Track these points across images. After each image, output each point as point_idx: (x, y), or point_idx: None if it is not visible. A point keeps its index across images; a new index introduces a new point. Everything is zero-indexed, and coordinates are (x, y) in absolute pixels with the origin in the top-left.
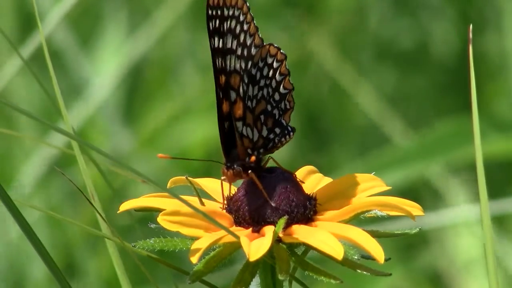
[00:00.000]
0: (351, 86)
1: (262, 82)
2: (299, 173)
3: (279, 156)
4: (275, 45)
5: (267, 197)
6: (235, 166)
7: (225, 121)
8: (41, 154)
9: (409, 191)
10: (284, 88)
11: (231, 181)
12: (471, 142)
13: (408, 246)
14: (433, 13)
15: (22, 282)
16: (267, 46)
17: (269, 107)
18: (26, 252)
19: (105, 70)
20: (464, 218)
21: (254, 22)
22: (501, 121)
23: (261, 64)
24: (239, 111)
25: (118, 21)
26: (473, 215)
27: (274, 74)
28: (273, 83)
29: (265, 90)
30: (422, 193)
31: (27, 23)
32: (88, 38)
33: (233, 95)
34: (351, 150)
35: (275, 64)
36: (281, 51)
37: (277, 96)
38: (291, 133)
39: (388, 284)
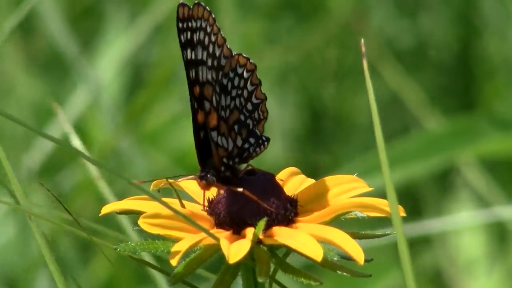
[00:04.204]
0: (353, 86)
1: (233, 92)
2: (282, 175)
3: (281, 155)
4: (244, 55)
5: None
6: (208, 176)
7: (200, 131)
8: (37, 148)
9: (409, 190)
10: (256, 98)
11: (205, 189)
12: (471, 142)
13: (409, 246)
14: (432, 14)
15: (22, 283)
16: (236, 56)
17: (242, 117)
18: (25, 252)
19: (106, 69)
20: (465, 219)
21: (221, 33)
22: (501, 121)
23: (231, 75)
24: (213, 121)
25: (119, 21)
26: (475, 217)
27: (245, 84)
28: (245, 93)
29: (237, 100)
30: (423, 192)
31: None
32: (90, 38)
33: (207, 105)
34: (353, 149)
35: (245, 74)
36: (251, 61)
37: (250, 106)
38: (266, 143)
39: (388, 285)
